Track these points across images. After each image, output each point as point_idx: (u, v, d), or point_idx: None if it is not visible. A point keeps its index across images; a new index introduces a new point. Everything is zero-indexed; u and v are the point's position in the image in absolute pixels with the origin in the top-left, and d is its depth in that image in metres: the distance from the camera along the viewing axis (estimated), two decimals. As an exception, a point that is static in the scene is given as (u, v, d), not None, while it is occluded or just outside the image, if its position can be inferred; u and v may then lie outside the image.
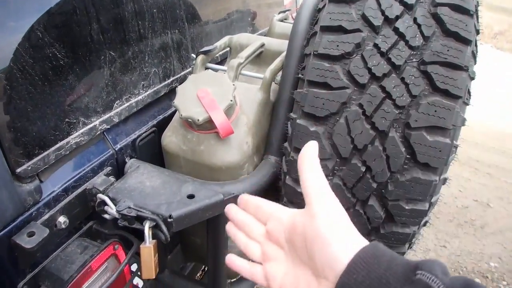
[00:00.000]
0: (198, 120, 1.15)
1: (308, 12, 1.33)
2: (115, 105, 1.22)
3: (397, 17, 1.11)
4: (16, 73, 0.92)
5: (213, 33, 1.68)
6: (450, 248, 3.09)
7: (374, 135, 1.13)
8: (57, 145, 1.05)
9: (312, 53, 1.18)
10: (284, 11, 2.22)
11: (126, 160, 1.28)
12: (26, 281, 1.04)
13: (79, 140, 1.11)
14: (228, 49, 1.63)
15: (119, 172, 1.27)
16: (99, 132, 1.17)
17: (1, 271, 0.99)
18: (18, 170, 0.96)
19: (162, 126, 1.39)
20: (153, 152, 1.40)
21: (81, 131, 1.11)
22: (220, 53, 1.62)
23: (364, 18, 1.13)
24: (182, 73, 1.50)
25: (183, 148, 1.26)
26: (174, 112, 1.44)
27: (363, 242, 0.68)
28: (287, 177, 1.28)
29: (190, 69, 1.53)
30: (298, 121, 1.20)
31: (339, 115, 1.15)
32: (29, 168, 0.98)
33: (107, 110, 1.20)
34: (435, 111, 1.09)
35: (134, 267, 1.26)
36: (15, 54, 0.91)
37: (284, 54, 1.39)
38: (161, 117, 1.42)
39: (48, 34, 0.98)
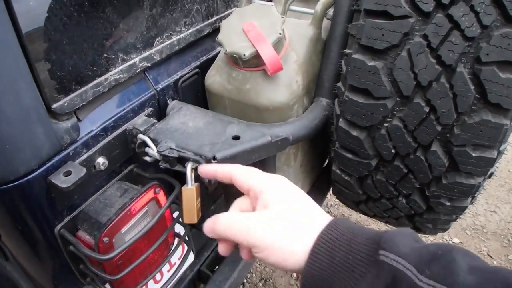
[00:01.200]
0: (244, 55, 1.03)
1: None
2: (156, 42, 1.10)
3: None
4: (52, 2, 0.81)
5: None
6: (501, 213, 2.88)
7: (440, 71, 0.98)
8: (95, 81, 0.96)
9: (369, -20, 1.03)
10: None
11: (168, 101, 1.18)
12: (64, 223, 0.97)
13: (118, 77, 1.00)
14: None
15: (160, 113, 1.17)
16: (139, 70, 1.06)
17: (38, 213, 0.91)
18: (54, 106, 0.87)
19: (205, 68, 1.27)
20: (196, 95, 1.29)
21: (120, 67, 1.01)
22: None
23: None
24: (226, 12, 1.37)
25: (227, 88, 1.15)
26: (218, 54, 1.33)
27: (319, 226, 0.62)
28: (340, 119, 1.15)
29: (235, 8, 1.39)
30: (354, 55, 1.06)
31: (400, 48, 1.00)
32: (66, 104, 0.89)
33: (148, 47, 1.09)
34: (509, 44, 0.92)
35: (175, 214, 1.17)
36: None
37: (336, -13, 1.24)
38: (204, 58, 1.30)
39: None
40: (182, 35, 1.18)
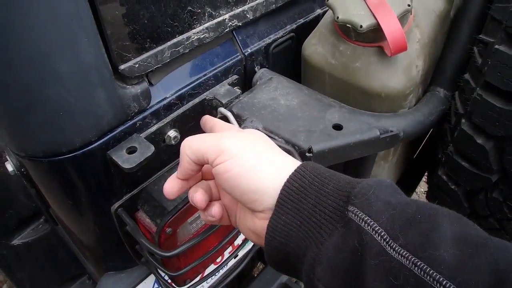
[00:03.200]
0: (360, 26, 0.77)
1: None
2: (249, -2, 0.87)
3: None
4: None
5: None
6: None
7: None
8: (175, 40, 0.73)
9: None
10: None
11: (256, 69, 0.94)
12: (122, 202, 0.78)
13: (202, 36, 0.78)
14: None
15: (246, 82, 0.94)
16: (228, 30, 0.83)
17: (93, 189, 0.73)
18: (122, 67, 0.65)
19: (301, 32, 1.02)
20: (288, 63, 1.04)
21: (206, 25, 0.78)
22: None
23: None
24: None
25: (331, 62, 0.88)
26: (318, 17, 1.06)
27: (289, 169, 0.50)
28: (463, 120, 0.88)
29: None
30: (497, 46, 0.77)
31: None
32: (137, 66, 0.67)
33: (240, 2, 0.84)
34: None
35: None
36: None
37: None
38: (301, 21, 1.03)
39: None
40: (279, -8, 0.93)
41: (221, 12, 0.81)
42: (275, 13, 0.96)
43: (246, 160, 0.50)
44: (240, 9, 0.84)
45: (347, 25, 0.79)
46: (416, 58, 0.85)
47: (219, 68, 0.85)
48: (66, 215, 0.82)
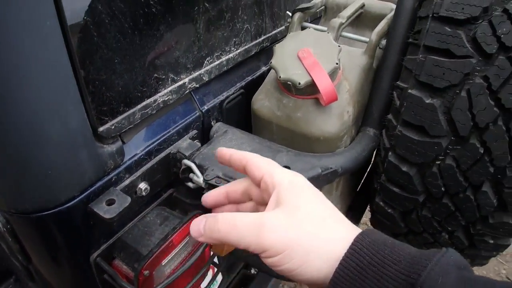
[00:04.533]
0: (299, 83, 0.90)
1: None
2: (205, 62, 0.98)
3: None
4: (105, 18, 0.68)
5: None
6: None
7: (498, 113, 0.85)
8: (144, 103, 0.82)
9: (431, 15, 0.90)
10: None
11: (212, 123, 1.05)
12: (100, 252, 0.84)
13: (167, 98, 0.88)
14: (322, 8, 1.32)
15: (204, 136, 1.04)
16: (187, 91, 0.94)
17: (74, 241, 0.79)
18: (101, 129, 0.74)
19: (249, 88, 1.14)
20: (240, 116, 1.16)
21: (169, 88, 0.88)
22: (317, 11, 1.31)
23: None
24: (274, 31, 1.23)
25: (277, 114, 1.01)
26: (263, 74, 1.20)
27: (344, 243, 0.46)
28: (390, 153, 1.02)
29: (283, 27, 1.26)
30: (410, 91, 0.93)
31: (460, 88, 0.88)
32: (113, 127, 0.76)
33: (198, 67, 0.96)
34: None
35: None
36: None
37: (389, 16, 1.10)
38: (249, 78, 1.16)
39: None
40: (231, 55, 1.05)
41: (181, 76, 0.91)
42: (227, 73, 1.08)
43: (295, 254, 0.46)
44: (197, 73, 0.95)
45: (288, 82, 0.92)
46: (347, 105, 0.99)
47: (181, 125, 0.95)
48: (48, 267, 0.86)
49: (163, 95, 0.87)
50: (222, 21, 0.99)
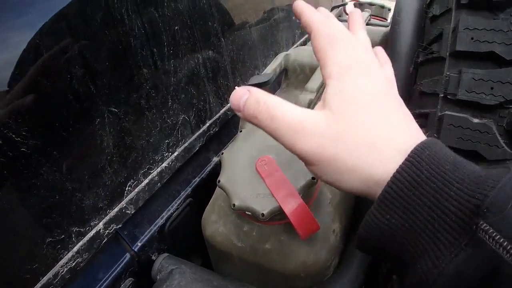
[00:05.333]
0: (262, 215, 0.62)
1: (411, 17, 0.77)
2: (127, 188, 0.69)
3: None
4: None
5: (257, 44, 1.10)
6: None
7: None
8: (40, 284, 0.55)
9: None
10: (338, 6, 1.63)
11: (153, 257, 0.76)
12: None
13: (75, 263, 0.59)
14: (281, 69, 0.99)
15: (144, 276, 0.75)
16: (105, 240, 0.65)
17: None
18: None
19: (200, 192, 0.86)
20: (191, 233, 0.85)
21: (76, 248, 0.59)
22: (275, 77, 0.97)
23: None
24: (222, 110, 0.93)
25: (237, 245, 0.71)
26: (215, 168, 0.91)
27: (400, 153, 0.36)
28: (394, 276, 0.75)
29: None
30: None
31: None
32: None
33: (116, 201, 0.67)
34: None
35: None
36: None
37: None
38: (197, 180, 0.86)
39: None
40: (165, 163, 0.76)
41: (92, 223, 0.63)
42: (164, 187, 0.79)
43: (334, 167, 0.38)
44: (117, 209, 0.67)
45: (247, 212, 0.64)
46: (332, 222, 0.71)
47: (107, 282, 0.66)
48: None
49: (68, 261, 0.58)
50: (143, 124, 0.70)
